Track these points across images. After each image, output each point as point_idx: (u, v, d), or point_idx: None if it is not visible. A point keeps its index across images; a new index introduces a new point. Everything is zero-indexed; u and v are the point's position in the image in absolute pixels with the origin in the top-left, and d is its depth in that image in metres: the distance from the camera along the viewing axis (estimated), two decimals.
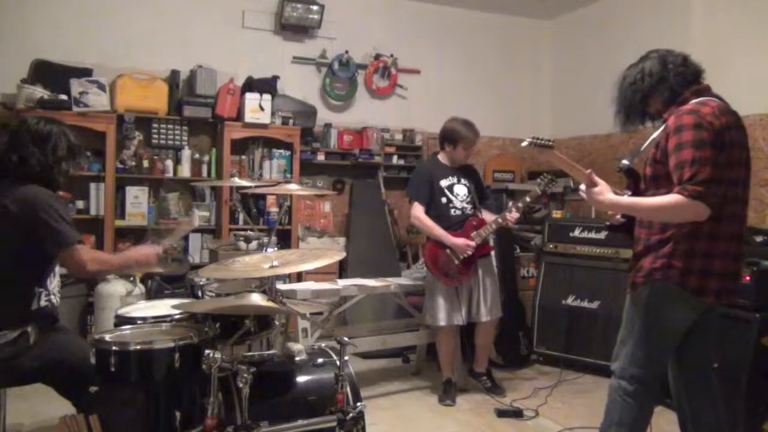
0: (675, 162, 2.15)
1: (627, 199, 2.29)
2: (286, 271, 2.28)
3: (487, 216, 3.99)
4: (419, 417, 3.72)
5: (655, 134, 2.35)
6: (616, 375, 2.44)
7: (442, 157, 4.06)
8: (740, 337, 3.29)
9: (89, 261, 2.41)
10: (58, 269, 2.64)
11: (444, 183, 3.94)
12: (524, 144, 2.22)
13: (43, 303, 2.51)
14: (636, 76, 2.41)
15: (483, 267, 3.98)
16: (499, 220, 3.78)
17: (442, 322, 3.90)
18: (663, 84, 2.35)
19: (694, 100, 2.27)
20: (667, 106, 2.35)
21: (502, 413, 3.72)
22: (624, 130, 2.53)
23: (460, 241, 3.81)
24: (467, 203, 3.94)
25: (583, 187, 2.33)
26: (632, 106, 2.43)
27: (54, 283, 2.58)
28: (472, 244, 3.81)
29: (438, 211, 3.91)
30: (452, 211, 3.91)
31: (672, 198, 2.12)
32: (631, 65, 2.49)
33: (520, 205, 3.76)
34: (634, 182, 2.42)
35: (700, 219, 2.14)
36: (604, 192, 2.28)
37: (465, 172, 4.05)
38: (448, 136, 3.97)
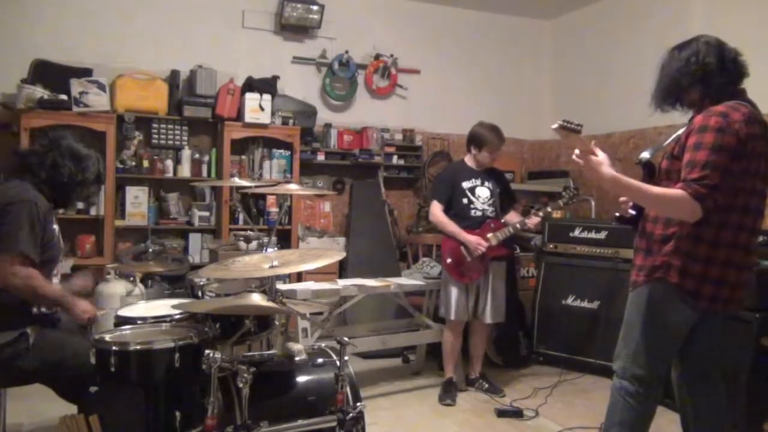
0: (688, 159, 2.14)
1: (628, 179, 2.21)
2: (286, 271, 2.28)
3: (514, 218, 4.04)
4: (419, 417, 3.72)
5: (681, 131, 2.30)
6: (617, 375, 2.43)
7: (468, 160, 4.11)
8: (740, 337, 3.29)
9: (11, 274, 2.37)
10: (59, 271, 2.64)
11: (466, 184, 4.00)
12: (554, 127, 2.20)
13: (43, 309, 2.52)
14: (689, 59, 2.29)
15: (495, 270, 4.02)
16: (518, 225, 3.86)
17: (453, 316, 3.98)
18: (714, 78, 2.26)
19: (727, 102, 2.22)
20: (703, 100, 2.29)
21: (502, 413, 3.73)
22: (657, 111, 2.44)
23: (473, 238, 3.88)
24: (489, 205, 3.99)
25: (577, 151, 2.25)
26: (676, 89, 2.33)
27: (55, 283, 2.58)
28: (484, 242, 3.86)
29: (458, 210, 4.00)
30: (472, 211, 3.98)
31: (674, 192, 2.11)
32: (681, 45, 2.37)
33: (541, 214, 3.86)
34: (649, 176, 2.39)
35: (689, 220, 2.13)
36: (604, 164, 2.21)
37: (491, 175, 4.08)
38: (474, 140, 4.03)
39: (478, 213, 3.98)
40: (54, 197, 2.65)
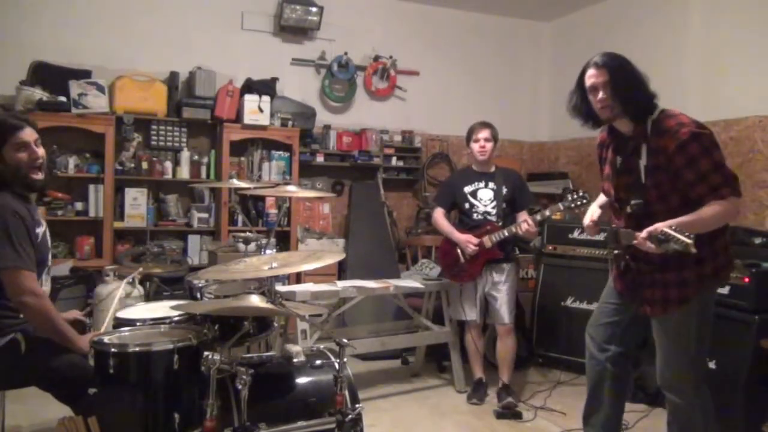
0: (700, 172, 2.28)
1: (681, 219, 2.24)
2: (284, 272, 2.28)
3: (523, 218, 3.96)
4: (418, 418, 3.72)
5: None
6: (684, 395, 2.46)
7: (471, 163, 4.15)
8: (739, 340, 3.30)
9: (29, 292, 2.32)
10: (47, 276, 2.60)
11: (468, 189, 4.03)
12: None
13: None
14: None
15: (505, 272, 3.99)
16: (513, 229, 3.81)
17: (464, 317, 4.03)
18: None
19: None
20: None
21: (500, 415, 3.72)
22: None
23: (462, 236, 3.91)
24: (492, 208, 3.97)
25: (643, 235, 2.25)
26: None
27: (45, 287, 2.55)
28: (474, 240, 3.86)
29: (463, 215, 4.08)
30: (474, 215, 4.00)
31: (721, 207, 2.25)
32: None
33: (538, 218, 3.77)
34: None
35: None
36: (658, 226, 2.20)
37: (500, 176, 4.02)
38: (466, 139, 4.09)
39: (480, 216, 3.98)
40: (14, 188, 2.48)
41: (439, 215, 4.10)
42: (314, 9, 5.55)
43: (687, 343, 2.41)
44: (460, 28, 6.40)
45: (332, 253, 2.48)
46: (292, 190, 2.67)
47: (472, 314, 4.00)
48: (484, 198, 4.00)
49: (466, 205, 4.02)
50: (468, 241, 3.88)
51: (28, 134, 2.48)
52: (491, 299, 3.96)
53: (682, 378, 2.44)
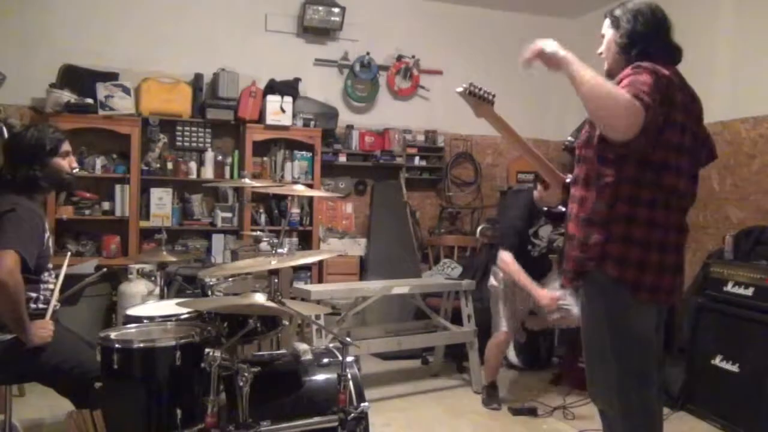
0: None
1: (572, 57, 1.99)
2: (281, 266, 2.31)
3: None
4: (434, 418, 3.71)
5: None
6: (610, 405, 2.13)
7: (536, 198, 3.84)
8: (763, 342, 3.21)
9: (6, 271, 2.30)
10: (51, 275, 2.65)
11: (531, 230, 3.86)
12: (458, 90, 2.08)
13: (40, 305, 2.55)
14: None
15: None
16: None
17: (502, 328, 3.84)
18: None
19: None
20: None
21: (516, 412, 3.71)
22: None
23: (542, 294, 3.65)
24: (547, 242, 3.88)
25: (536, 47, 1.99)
26: None
27: (50, 285, 2.61)
28: (556, 297, 3.64)
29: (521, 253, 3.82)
30: (533, 253, 3.86)
31: (625, 94, 1.87)
32: None
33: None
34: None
35: (623, 131, 1.88)
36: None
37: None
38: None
39: (536, 253, 3.89)
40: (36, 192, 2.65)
41: (508, 258, 3.73)
42: (336, 10, 5.57)
43: (601, 348, 2.07)
44: (484, 26, 6.35)
45: (326, 251, 2.49)
46: (299, 189, 2.68)
47: (510, 327, 3.83)
48: (544, 236, 3.85)
49: (528, 246, 3.83)
50: (552, 300, 3.61)
51: (68, 144, 2.78)
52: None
53: (605, 387, 2.10)
